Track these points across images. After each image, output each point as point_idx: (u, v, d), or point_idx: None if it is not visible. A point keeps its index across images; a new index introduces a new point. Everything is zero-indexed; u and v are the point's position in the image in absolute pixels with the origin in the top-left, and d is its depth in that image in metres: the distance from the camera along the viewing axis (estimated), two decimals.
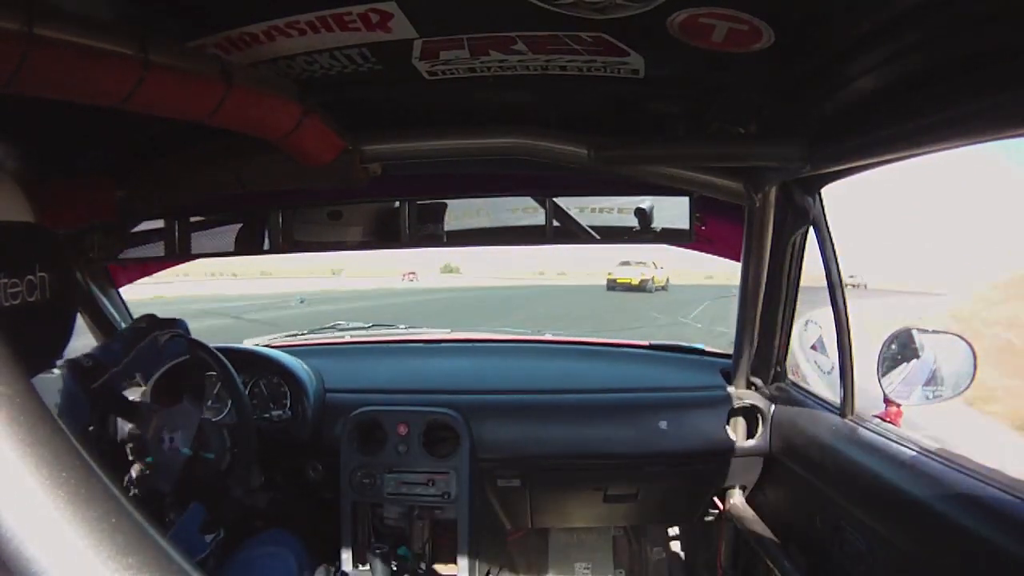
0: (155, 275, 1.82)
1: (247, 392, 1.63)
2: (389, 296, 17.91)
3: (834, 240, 1.30)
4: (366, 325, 2.33)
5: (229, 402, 1.60)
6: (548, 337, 2.26)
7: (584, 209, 1.36)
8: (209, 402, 1.65)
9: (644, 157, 1.16)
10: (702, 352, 1.95)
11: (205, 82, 0.80)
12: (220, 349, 1.46)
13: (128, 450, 1.22)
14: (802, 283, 1.46)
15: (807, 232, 1.34)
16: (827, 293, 1.28)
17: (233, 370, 1.34)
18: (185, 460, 1.19)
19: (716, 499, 1.72)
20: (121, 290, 1.75)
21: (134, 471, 1.20)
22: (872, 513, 1.10)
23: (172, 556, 0.28)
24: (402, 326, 2.38)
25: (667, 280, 19.53)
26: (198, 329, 1.39)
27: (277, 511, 1.59)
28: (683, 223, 1.33)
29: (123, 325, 1.73)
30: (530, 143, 1.13)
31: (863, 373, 1.29)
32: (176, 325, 1.29)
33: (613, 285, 18.49)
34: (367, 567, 1.59)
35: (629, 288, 17.98)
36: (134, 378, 1.26)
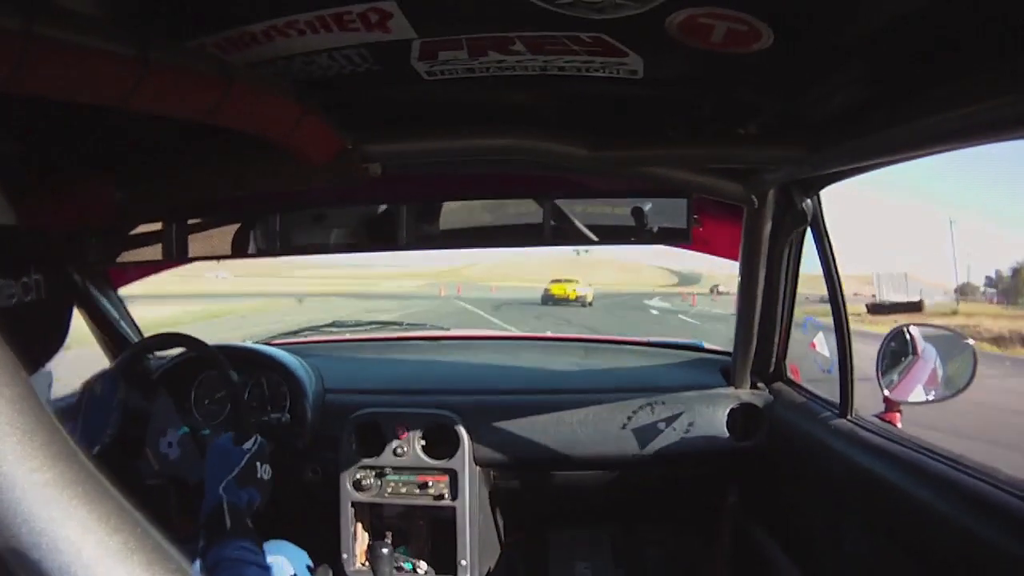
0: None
1: (247, 391, 1.63)
2: None
3: (832, 241, 1.30)
4: (366, 323, 2.34)
5: (227, 405, 1.60)
6: (547, 335, 2.28)
7: (582, 210, 1.36)
8: (206, 402, 1.65)
9: (642, 158, 1.16)
10: (701, 350, 1.95)
11: (204, 82, 0.80)
12: (220, 347, 1.46)
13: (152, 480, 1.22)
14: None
15: (805, 232, 1.34)
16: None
17: (228, 363, 1.34)
18: (189, 439, 1.19)
19: (716, 498, 1.72)
20: None
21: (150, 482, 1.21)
22: (872, 512, 1.10)
23: (174, 556, 0.28)
24: (402, 324, 2.39)
25: (593, 296, 21.47)
26: None
27: (276, 513, 1.59)
28: (681, 223, 1.33)
29: (123, 327, 1.73)
30: (528, 144, 1.13)
31: None
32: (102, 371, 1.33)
33: (549, 298, 19.91)
34: (367, 567, 1.59)
35: (567, 302, 19.69)
36: (100, 434, 1.26)
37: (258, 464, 1.08)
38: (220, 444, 1.10)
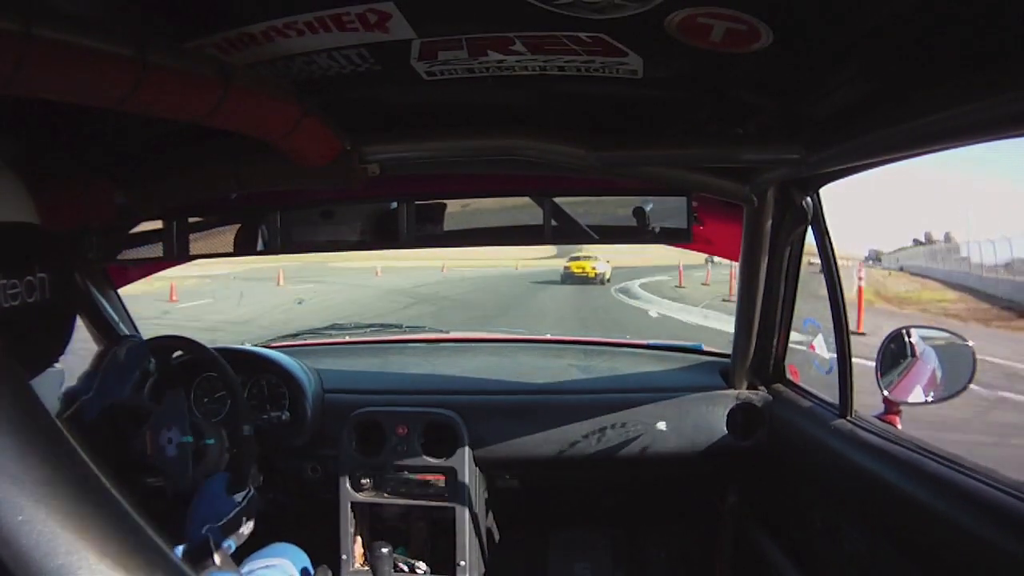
0: None
1: (246, 393, 1.64)
2: None
3: (832, 240, 1.30)
4: (365, 325, 2.34)
5: (228, 403, 1.60)
6: (547, 336, 2.27)
7: (583, 209, 1.36)
8: (206, 400, 1.65)
9: (642, 158, 1.16)
10: (701, 351, 1.95)
11: (203, 83, 0.80)
12: (218, 350, 1.46)
13: (138, 465, 1.22)
14: None
15: (805, 232, 1.34)
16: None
17: (230, 368, 1.34)
18: (190, 448, 1.20)
19: (716, 499, 1.73)
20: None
21: (149, 480, 1.21)
22: (871, 513, 1.10)
23: (170, 557, 0.28)
24: (401, 326, 2.39)
25: (611, 273, 20.06)
26: None
27: (276, 512, 1.60)
28: (681, 223, 1.33)
29: (122, 327, 1.73)
30: (528, 144, 1.13)
31: None
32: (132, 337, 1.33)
33: (569, 277, 18.76)
34: (366, 568, 1.59)
35: (585, 280, 18.35)
36: (113, 398, 1.26)
37: (243, 519, 1.09)
38: (213, 488, 1.10)
